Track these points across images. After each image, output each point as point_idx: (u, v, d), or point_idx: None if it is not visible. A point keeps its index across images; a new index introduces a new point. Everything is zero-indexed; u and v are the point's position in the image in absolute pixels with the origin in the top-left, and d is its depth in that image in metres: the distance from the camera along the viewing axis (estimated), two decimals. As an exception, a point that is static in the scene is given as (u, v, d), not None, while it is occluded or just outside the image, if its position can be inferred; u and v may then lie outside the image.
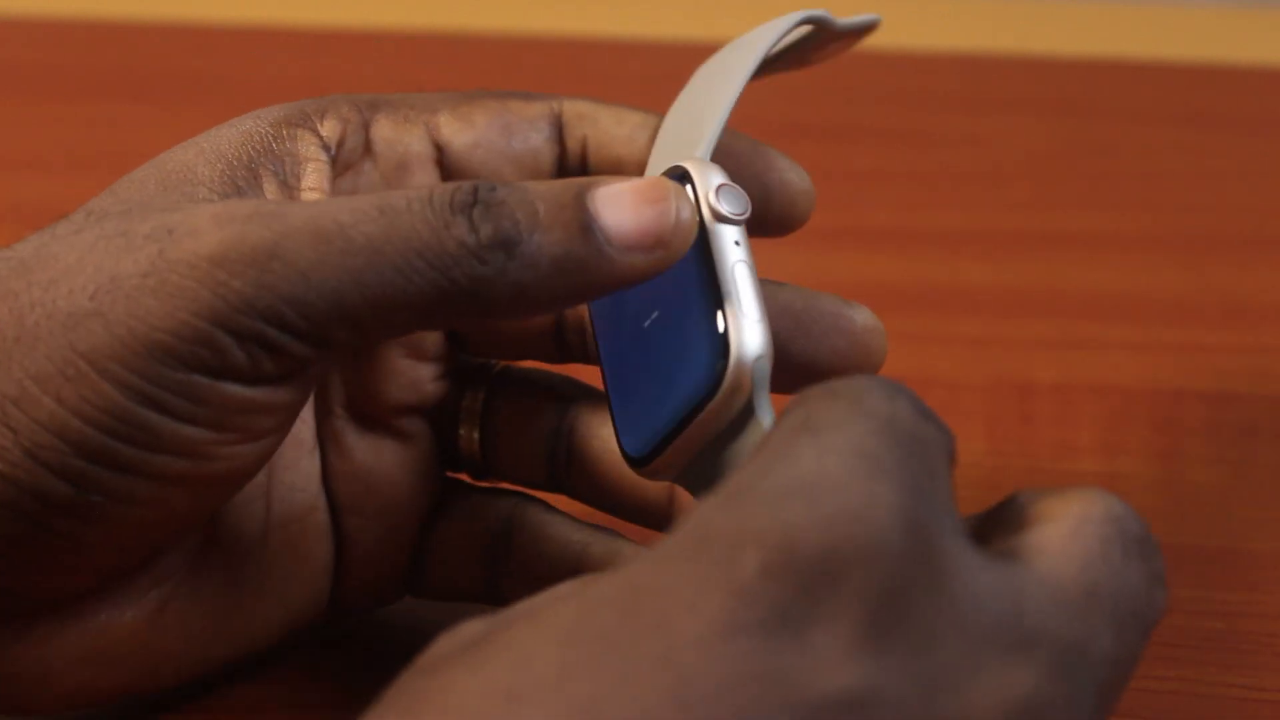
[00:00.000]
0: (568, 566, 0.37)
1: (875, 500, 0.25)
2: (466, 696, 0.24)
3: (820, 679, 0.24)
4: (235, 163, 0.34)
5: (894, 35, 0.78)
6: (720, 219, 0.33)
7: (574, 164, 0.38)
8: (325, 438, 0.37)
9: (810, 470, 0.26)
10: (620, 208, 0.31)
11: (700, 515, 0.26)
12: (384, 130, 0.36)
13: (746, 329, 0.32)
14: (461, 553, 0.38)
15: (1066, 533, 0.27)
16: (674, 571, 0.25)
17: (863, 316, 0.36)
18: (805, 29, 0.38)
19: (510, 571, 0.38)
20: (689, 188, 0.33)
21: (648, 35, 0.75)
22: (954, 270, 0.57)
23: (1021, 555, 0.27)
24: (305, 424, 0.37)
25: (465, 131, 0.37)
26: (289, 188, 0.35)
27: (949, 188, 0.63)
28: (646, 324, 0.34)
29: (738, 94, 0.36)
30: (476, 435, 0.38)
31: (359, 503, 0.37)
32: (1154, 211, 0.62)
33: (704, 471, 0.33)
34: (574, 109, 0.38)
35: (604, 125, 0.38)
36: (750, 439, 0.32)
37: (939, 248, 0.59)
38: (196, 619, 0.35)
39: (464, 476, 0.39)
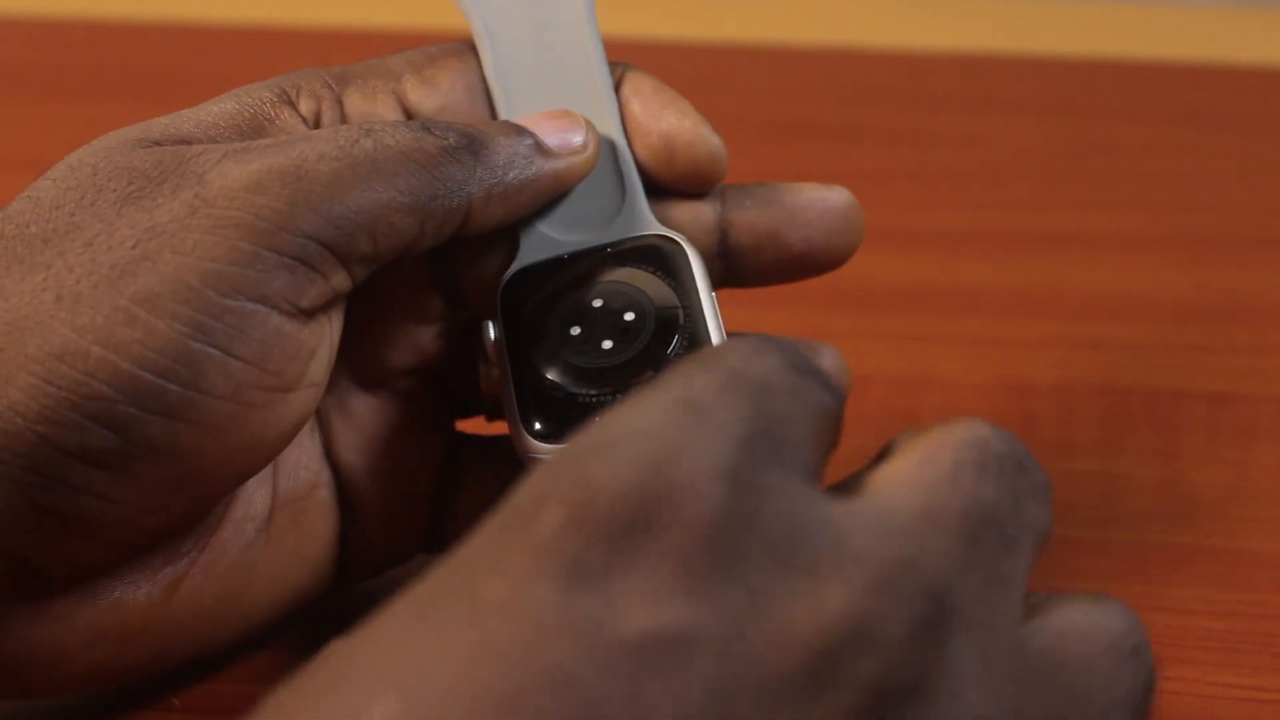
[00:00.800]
0: None
1: (683, 447, 0.25)
2: (289, 693, 0.24)
3: (624, 623, 0.24)
4: (215, 136, 0.36)
5: (894, 35, 0.78)
6: None
7: None
8: (329, 407, 0.38)
9: (624, 424, 0.26)
10: (541, 125, 0.37)
11: (516, 484, 0.26)
12: (355, 104, 0.38)
13: None
14: (482, 505, 0.38)
15: (914, 462, 0.28)
16: (483, 537, 0.26)
17: (842, 196, 0.39)
18: None
19: None
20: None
21: (648, 35, 0.75)
22: (954, 270, 0.57)
23: (864, 490, 0.27)
24: None
25: (431, 95, 0.38)
26: None
27: (949, 188, 0.63)
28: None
29: (596, 34, 0.41)
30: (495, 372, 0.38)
31: (369, 466, 0.38)
32: (1154, 211, 0.62)
33: None
34: None
35: None
36: None
37: (939, 248, 0.59)
38: (207, 599, 0.36)
39: (480, 422, 0.40)
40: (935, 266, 0.57)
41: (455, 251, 0.38)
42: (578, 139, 0.37)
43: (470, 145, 0.36)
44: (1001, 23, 0.79)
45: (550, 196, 0.37)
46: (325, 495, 0.38)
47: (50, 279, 0.32)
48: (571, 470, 0.25)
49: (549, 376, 0.36)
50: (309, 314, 0.33)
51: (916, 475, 0.27)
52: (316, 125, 0.37)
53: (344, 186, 0.33)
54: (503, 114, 0.39)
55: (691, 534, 0.25)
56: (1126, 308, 0.55)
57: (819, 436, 0.28)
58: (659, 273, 0.37)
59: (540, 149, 0.37)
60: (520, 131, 0.37)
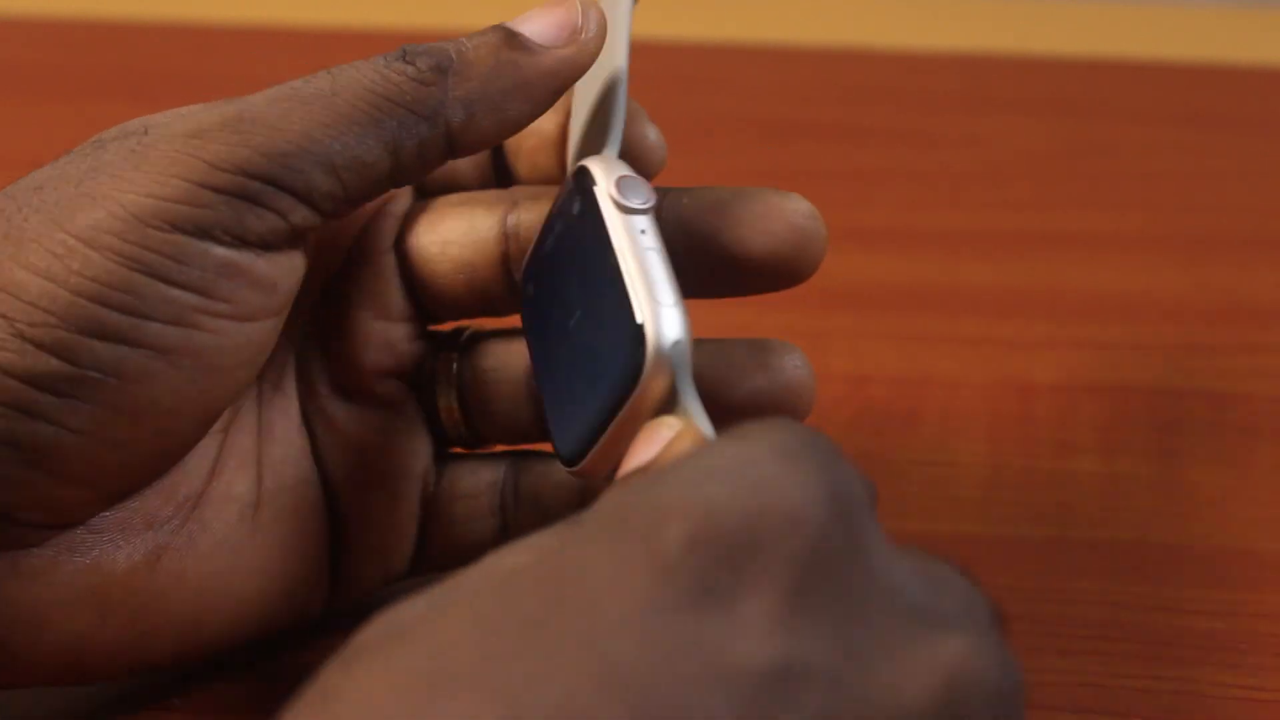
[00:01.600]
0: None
1: (797, 475, 0.25)
2: (385, 690, 0.24)
3: (749, 651, 0.24)
4: None
5: (894, 35, 0.78)
6: (625, 210, 0.34)
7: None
8: (312, 416, 0.38)
9: (731, 455, 0.26)
10: (532, 19, 0.35)
11: (619, 493, 0.26)
12: None
13: (663, 316, 0.32)
14: (468, 517, 0.39)
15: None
16: (595, 549, 0.25)
17: (799, 204, 0.36)
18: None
19: (521, 527, 0.38)
20: (594, 187, 0.34)
21: (647, 35, 0.75)
22: (954, 270, 0.57)
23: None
24: (290, 402, 0.38)
25: None
26: None
27: (949, 188, 0.63)
28: (570, 324, 0.35)
29: (625, 78, 0.37)
30: (455, 404, 0.39)
31: (354, 474, 0.38)
32: (1154, 211, 0.62)
33: None
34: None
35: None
36: None
37: (939, 248, 0.59)
38: (191, 575, 0.36)
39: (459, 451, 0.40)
40: (935, 266, 0.57)
41: (416, 247, 0.38)
42: (572, 28, 0.35)
43: (442, 66, 0.34)
44: (1001, 23, 0.79)
45: (553, 96, 0.35)
46: (314, 494, 0.38)
47: (4, 219, 0.33)
48: (688, 491, 0.25)
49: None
50: (266, 247, 0.34)
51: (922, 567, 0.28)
52: None
53: (291, 125, 0.33)
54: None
55: (806, 561, 0.25)
56: (1126, 308, 0.55)
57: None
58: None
59: (525, 47, 0.35)
60: (502, 34, 0.35)
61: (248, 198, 0.33)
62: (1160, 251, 0.59)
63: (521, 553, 0.26)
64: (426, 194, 0.39)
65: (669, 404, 0.32)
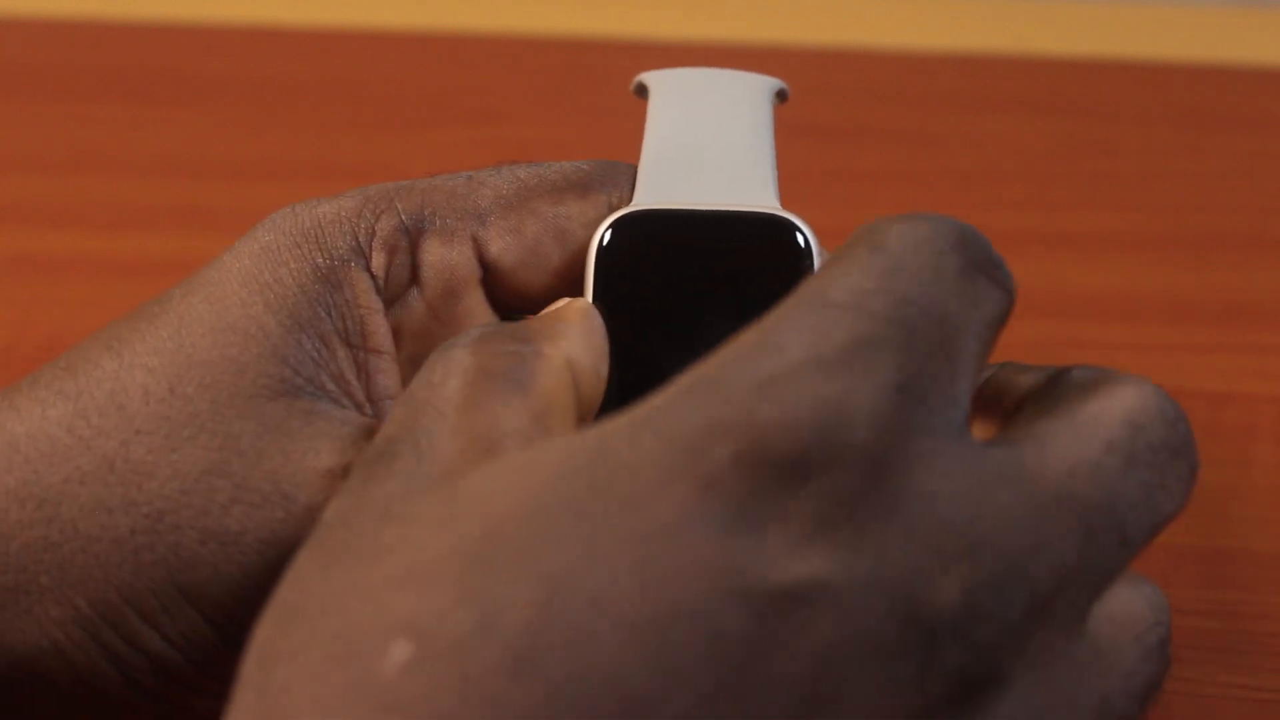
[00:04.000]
0: None
1: (850, 402, 0.25)
2: (433, 553, 0.25)
3: (773, 571, 0.25)
4: (305, 323, 0.34)
5: (894, 35, 0.78)
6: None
7: None
8: None
9: (792, 361, 0.26)
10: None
11: (676, 396, 0.26)
12: (430, 255, 0.35)
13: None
14: None
15: (1068, 434, 0.27)
16: (646, 450, 0.26)
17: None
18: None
19: None
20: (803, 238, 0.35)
21: (648, 35, 0.75)
22: (954, 270, 0.57)
23: (1012, 448, 0.27)
24: None
25: (513, 248, 0.36)
26: (353, 347, 0.34)
27: (949, 188, 0.63)
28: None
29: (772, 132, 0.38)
30: None
31: None
32: (1154, 211, 0.62)
33: None
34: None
35: None
36: None
37: (939, 248, 0.58)
38: None
39: None
40: (935, 266, 0.57)
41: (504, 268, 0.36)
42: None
43: None
44: (1001, 23, 0.79)
45: None
46: None
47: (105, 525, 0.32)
48: (740, 403, 0.26)
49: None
50: None
51: (1063, 451, 0.27)
52: (386, 282, 0.35)
53: None
54: (640, 194, 0.36)
55: (840, 495, 0.25)
56: (1126, 308, 0.55)
57: (980, 352, 0.28)
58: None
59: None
60: None
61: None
62: (1160, 251, 0.59)
63: (580, 441, 0.26)
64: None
65: None
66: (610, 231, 0.35)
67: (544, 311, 0.34)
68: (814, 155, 0.65)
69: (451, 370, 0.30)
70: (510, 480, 0.26)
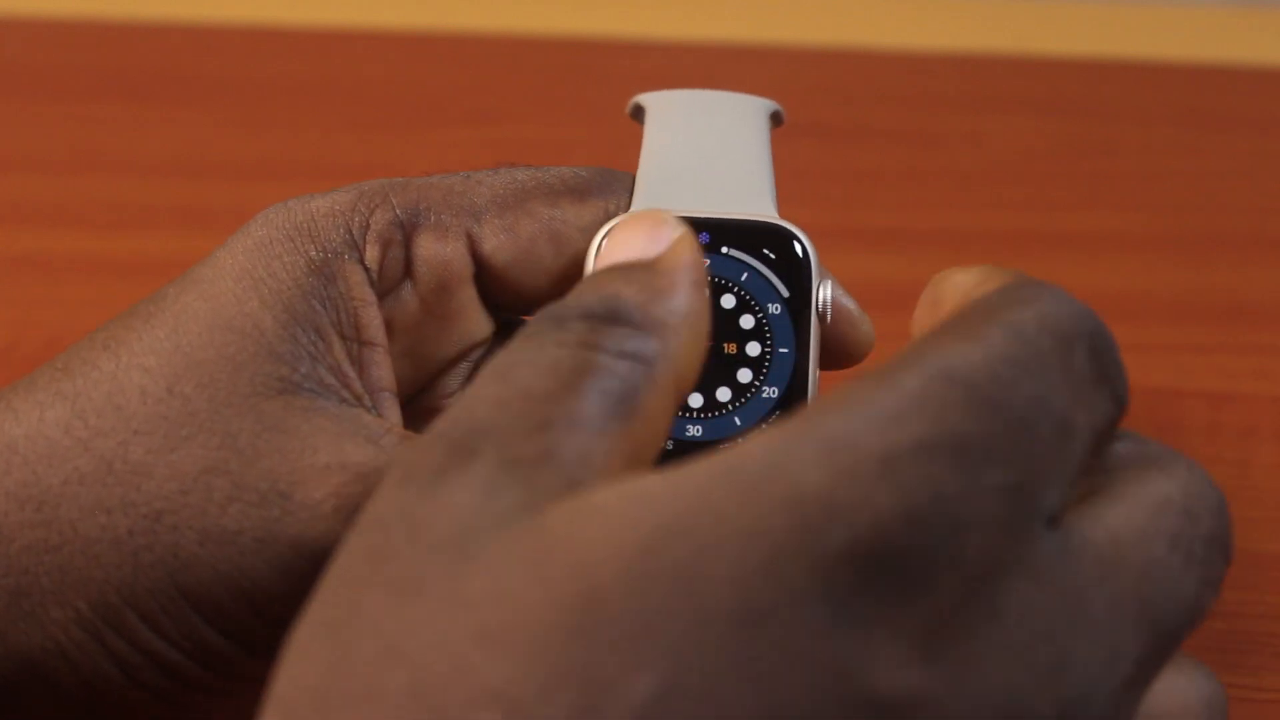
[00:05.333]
0: None
1: (971, 504, 0.24)
2: (525, 614, 0.23)
3: (882, 681, 0.23)
4: (300, 318, 0.34)
5: (894, 35, 0.78)
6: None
7: None
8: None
9: (913, 438, 0.24)
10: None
11: (787, 448, 0.24)
12: (424, 249, 0.35)
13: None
14: None
15: (1139, 525, 0.27)
16: (756, 516, 0.24)
17: (868, 335, 0.37)
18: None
19: None
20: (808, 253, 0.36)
21: (648, 35, 0.75)
22: (954, 270, 0.57)
23: (1093, 542, 0.26)
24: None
25: (507, 247, 0.35)
26: (347, 340, 0.34)
27: (949, 188, 0.63)
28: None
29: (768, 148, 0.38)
30: None
31: None
32: (1154, 211, 0.62)
33: None
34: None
35: None
36: None
37: (939, 248, 0.59)
38: None
39: None
40: (935, 266, 0.57)
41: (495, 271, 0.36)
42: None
43: None
44: (1001, 23, 0.79)
45: None
46: None
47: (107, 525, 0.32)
48: (861, 479, 0.24)
49: None
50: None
51: (1133, 554, 0.26)
52: (380, 275, 0.35)
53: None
54: (638, 201, 0.36)
55: (953, 599, 0.24)
56: (1126, 308, 0.55)
57: (1085, 459, 0.27)
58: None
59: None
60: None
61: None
62: (1160, 251, 0.59)
63: (677, 491, 0.24)
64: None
65: None
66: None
67: (656, 263, 0.28)
68: (814, 155, 0.65)
69: (552, 362, 0.26)
70: (606, 531, 0.24)
